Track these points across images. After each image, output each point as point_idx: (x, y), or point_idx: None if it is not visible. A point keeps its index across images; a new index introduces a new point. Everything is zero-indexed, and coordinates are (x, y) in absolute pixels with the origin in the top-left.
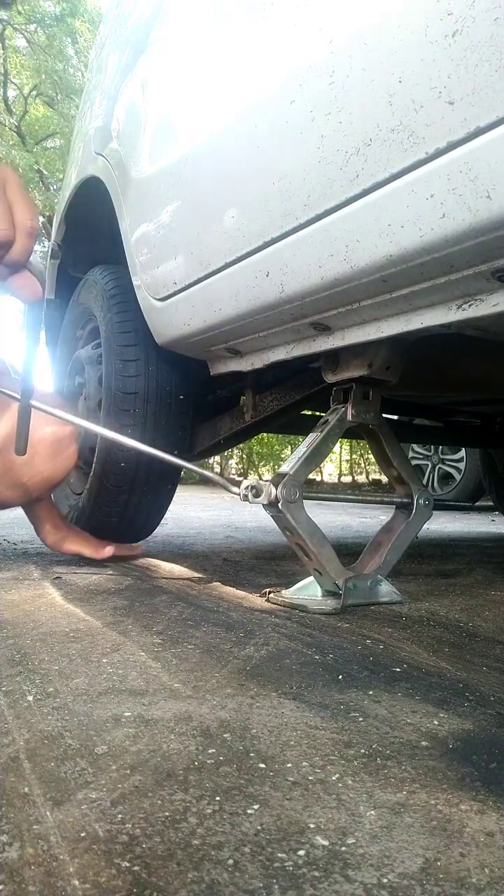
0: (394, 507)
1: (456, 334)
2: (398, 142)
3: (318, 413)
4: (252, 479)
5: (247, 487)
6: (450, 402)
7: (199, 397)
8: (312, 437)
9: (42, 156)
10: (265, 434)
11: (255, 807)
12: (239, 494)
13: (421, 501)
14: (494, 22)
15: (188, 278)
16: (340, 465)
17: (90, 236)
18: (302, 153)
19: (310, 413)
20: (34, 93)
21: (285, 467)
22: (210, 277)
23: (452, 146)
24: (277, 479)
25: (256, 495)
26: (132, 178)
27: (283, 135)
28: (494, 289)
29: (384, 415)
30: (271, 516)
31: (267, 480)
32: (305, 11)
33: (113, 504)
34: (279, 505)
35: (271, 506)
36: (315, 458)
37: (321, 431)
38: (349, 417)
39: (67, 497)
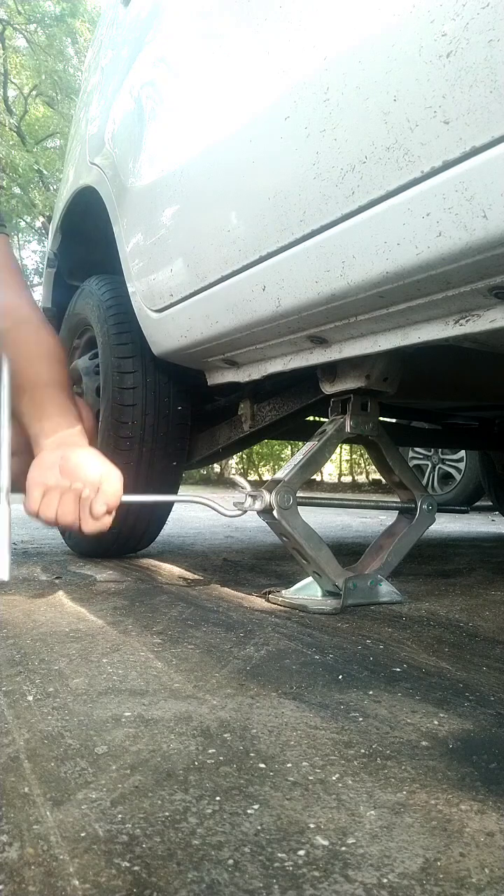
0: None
1: (454, 345)
2: (394, 160)
3: (320, 419)
4: (242, 481)
5: (239, 503)
6: (448, 406)
7: (198, 407)
8: (310, 446)
9: (42, 156)
10: None
11: (255, 807)
12: (234, 511)
13: (424, 506)
14: (489, 44)
15: (185, 290)
16: (340, 465)
17: (86, 245)
18: (297, 169)
19: (311, 419)
20: (34, 93)
21: (280, 474)
22: (207, 290)
23: (448, 165)
24: (272, 485)
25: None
26: (128, 189)
27: (278, 150)
28: (491, 305)
29: (382, 418)
30: (266, 523)
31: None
32: (300, 28)
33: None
34: (273, 512)
35: (266, 513)
36: (311, 466)
37: (318, 440)
38: (347, 429)
39: None
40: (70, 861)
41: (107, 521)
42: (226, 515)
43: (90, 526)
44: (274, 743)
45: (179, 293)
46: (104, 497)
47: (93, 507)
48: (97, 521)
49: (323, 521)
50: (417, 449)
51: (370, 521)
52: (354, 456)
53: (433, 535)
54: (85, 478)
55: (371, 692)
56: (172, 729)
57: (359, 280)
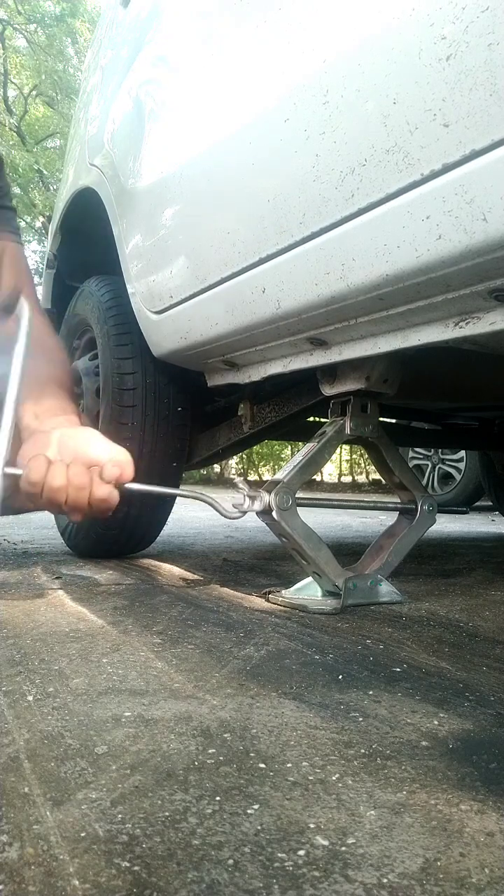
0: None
1: (454, 347)
2: (393, 162)
3: (320, 420)
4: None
5: (239, 503)
6: (448, 407)
7: (198, 408)
8: (310, 447)
9: (42, 156)
10: None
11: (255, 807)
12: (234, 512)
13: (425, 507)
14: (488, 47)
15: (184, 292)
16: (340, 465)
17: (86, 246)
18: (297, 171)
19: (311, 420)
20: (34, 93)
21: (280, 475)
22: (206, 292)
23: (448, 168)
24: (271, 486)
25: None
26: (127, 190)
27: (277, 152)
28: (492, 307)
29: (382, 418)
30: (266, 524)
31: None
32: (299, 30)
33: (112, 517)
34: (273, 513)
35: (265, 513)
36: (311, 467)
37: (318, 442)
38: (347, 430)
39: None
40: (70, 861)
41: (115, 496)
42: (226, 517)
43: (102, 490)
44: (274, 743)
45: (179, 295)
46: (115, 464)
47: (104, 470)
48: (109, 493)
49: (323, 521)
50: (417, 449)
51: (370, 521)
52: (354, 456)
53: (433, 535)
54: (88, 455)
55: (371, 692)
56: (172, 729)
57: (358, 282)
